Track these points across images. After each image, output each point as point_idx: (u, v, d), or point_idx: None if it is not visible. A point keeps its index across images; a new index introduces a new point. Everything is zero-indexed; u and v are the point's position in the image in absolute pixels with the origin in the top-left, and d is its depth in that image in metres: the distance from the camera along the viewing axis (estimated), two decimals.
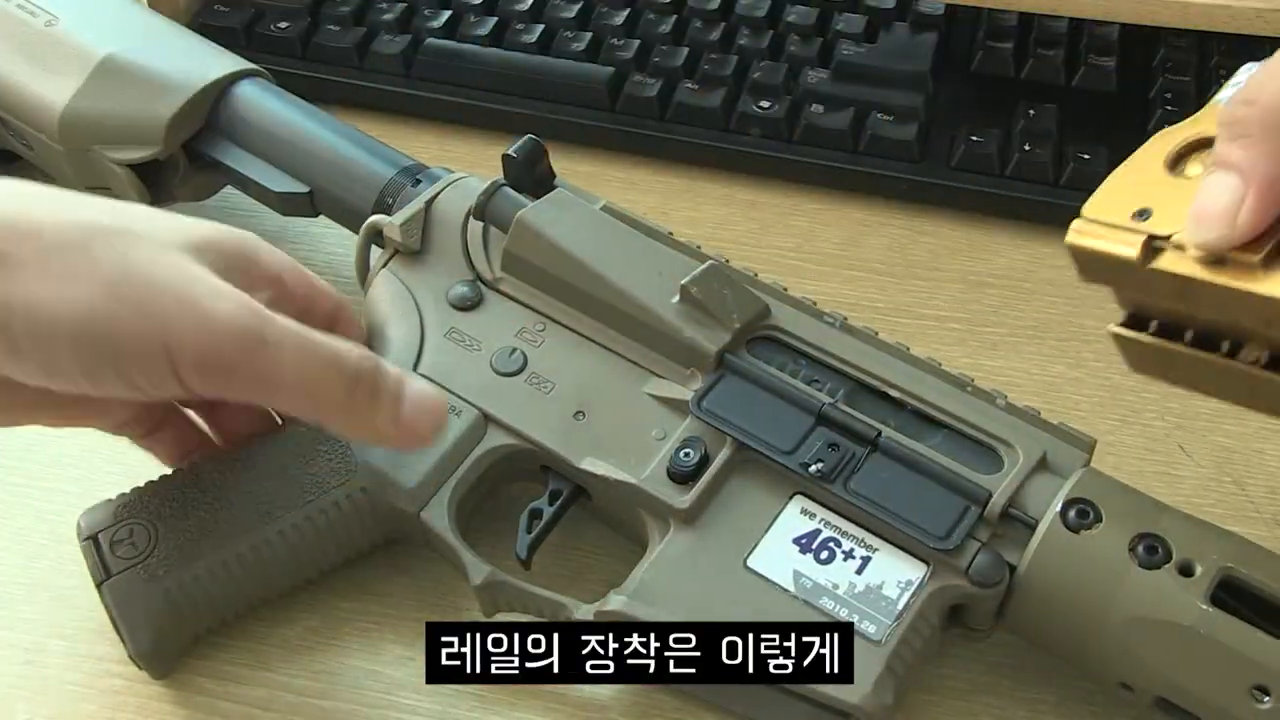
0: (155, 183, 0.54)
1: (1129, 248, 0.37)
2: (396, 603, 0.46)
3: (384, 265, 0.49)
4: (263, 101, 0.54)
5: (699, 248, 0.48)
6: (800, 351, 0.45)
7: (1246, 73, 0.39)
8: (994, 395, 0.44)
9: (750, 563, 0.41)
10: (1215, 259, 0.35)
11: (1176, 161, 0.38)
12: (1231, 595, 0.38)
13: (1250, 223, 0.34)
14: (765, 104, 0.62)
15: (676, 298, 0.45)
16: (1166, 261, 0.36)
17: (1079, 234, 0.38)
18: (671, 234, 0.49)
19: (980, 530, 0.41)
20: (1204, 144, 0.38)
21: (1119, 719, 0.43)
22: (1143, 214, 0.37)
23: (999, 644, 0.45)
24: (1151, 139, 0.39)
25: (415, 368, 0.46)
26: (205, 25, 0.66)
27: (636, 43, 0.64)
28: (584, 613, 0.42)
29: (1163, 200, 0.37)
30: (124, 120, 0.52)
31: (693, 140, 0.62)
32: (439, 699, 0.44)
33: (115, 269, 0.36)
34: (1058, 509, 0.40)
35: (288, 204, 0.52)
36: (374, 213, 0.50)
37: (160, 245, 0.38)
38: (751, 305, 0.45)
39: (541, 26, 0.65)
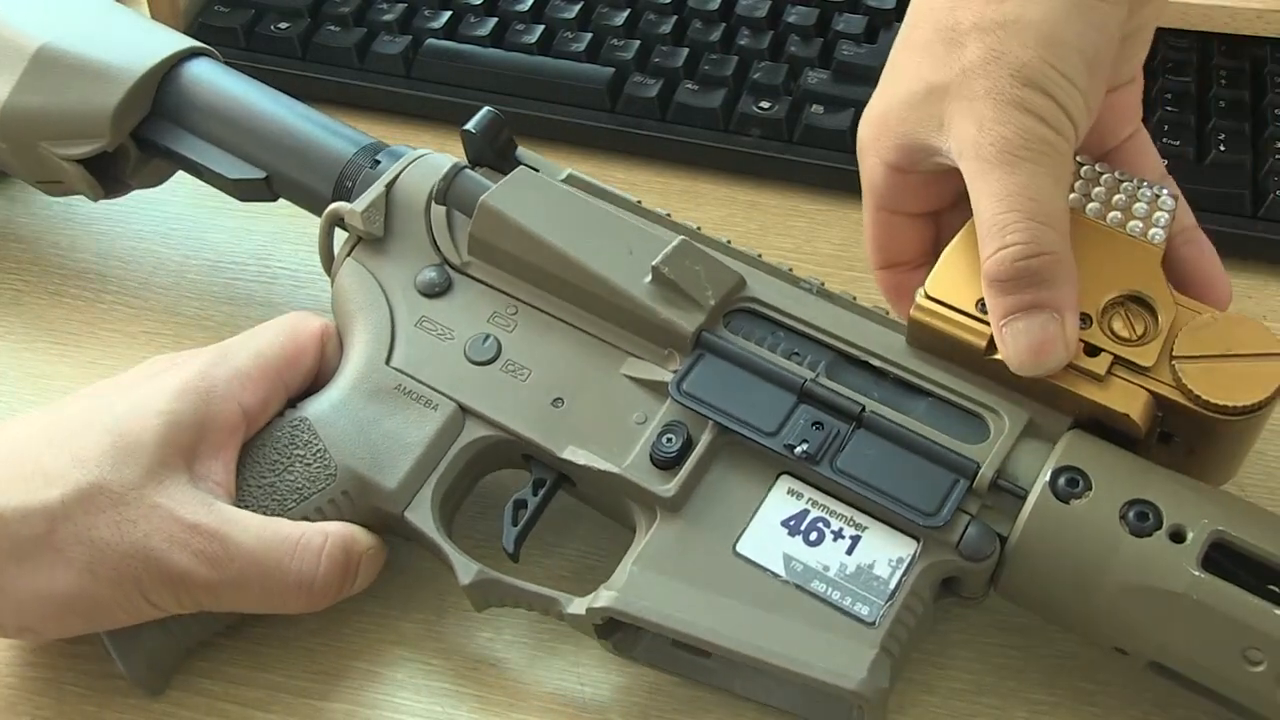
0: (106, 174, 0.53)
1: (976, 338, 0.41)
2: (395, 603, 0.46)
3: (348, 253, 0.48)
4: (211, 83, 0.51)
5: (669, 215, 0.47)
6: (779, 323, 0.44)
7: None
8: None
9: (739, 548, 0.41)
10: None
11: None
12: (1224, 556, 0.38)
13: (1076, 340, 0.40)
14: (765, 104, 0.61)
15: (648, 278, 0.44)
16: None
17: (923, 312, 0.42)
18: (640, 202, 0.48)
19: (969, 503, 0.40)
20: None
21: None
22: (985, 305, 0.41)
23: (1002, 645, 0.45)
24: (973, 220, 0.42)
25: (388, 361, 0.45)
26: (205, 25, 0.66)
27: (636, 43, 0.64)
28: (575, 607, 0.41)
29: None
30: (67, 113, 0.50)
31: (693, 141, 0.61)
32: (438, 700, 0.44)
33: (85, 551, 0.40)
34: (1047, 478, 0.40)
35: (244, 190, 0.51)
36: (334, 195, 0.49)
37: (124, 501, 0.40)
38: (726, 279, 0.44)
39: (541, 27, 0.65)
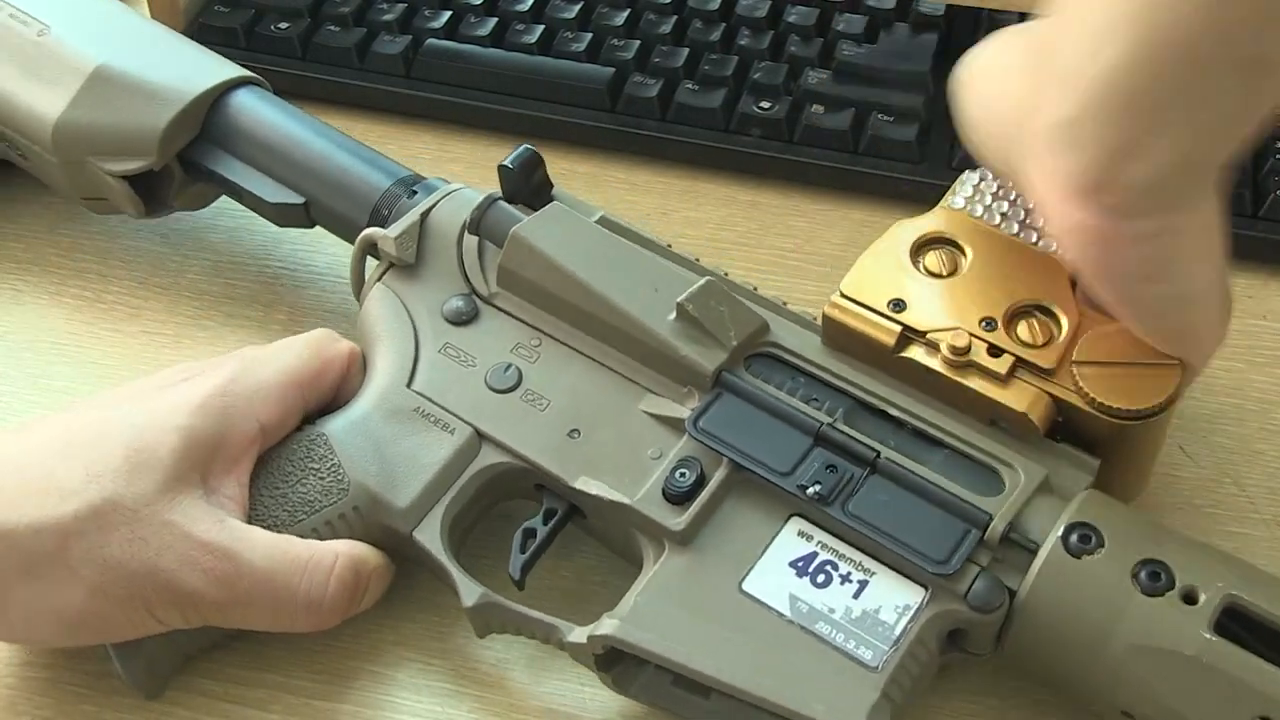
0: (150, 193, 0.54)
1: (886, 335, 0.43)
2: (397, 603, 0.46)
3: (379, 278, 0.48)
4: (258, 110, 0.53)
5: (698, 260, 0.48)
6: (799, 369, 0.45)
7: (971, 182, 0.47)
8: None
9: (745, 586, 0.41)
10: (962, 361, 0.42)
11: (917, 252, 0.45)
12: (1236, 622, 0.38)
13: None
14: (765, 104, 0.61)
15: (673, 315, 0.44)
16: (917, 354, 0.43)
17: (837, 310, 0.44)
18: (670, 246, 0.48)
19: (980, 554, 0.40)
20: (939, 240, 0.45)
21: None
22: (898, 305, 0.43)
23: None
24: (893, 227, 0.45)
25: (409, 384, 0.45)
26: (205, 25, 0.66)
27: (636, 43, 0.64)
28: (577, 635, 0.41)
29: (914, 295, 0.44)
30: (118, 131, 0.52)
31: (693, 140, 0.61)
32: (438, 700, 0.44)
33: (95, 570, 0.39)
34: (1059, 534, 0.39)
35: (283, 215, 0.52)
36: (370, 224, 0.50)
37: (137, 517, 0.40)
38: (750, 322, 0.45)
39: (541, 27, 0.65)
